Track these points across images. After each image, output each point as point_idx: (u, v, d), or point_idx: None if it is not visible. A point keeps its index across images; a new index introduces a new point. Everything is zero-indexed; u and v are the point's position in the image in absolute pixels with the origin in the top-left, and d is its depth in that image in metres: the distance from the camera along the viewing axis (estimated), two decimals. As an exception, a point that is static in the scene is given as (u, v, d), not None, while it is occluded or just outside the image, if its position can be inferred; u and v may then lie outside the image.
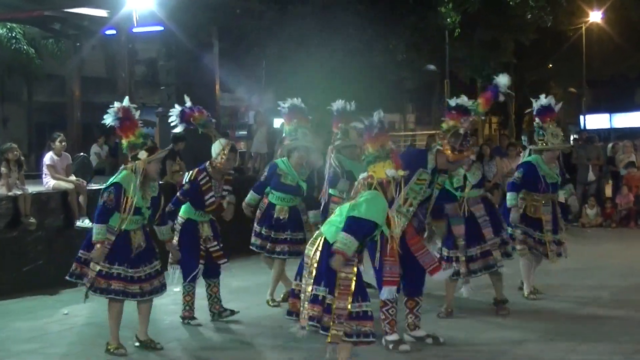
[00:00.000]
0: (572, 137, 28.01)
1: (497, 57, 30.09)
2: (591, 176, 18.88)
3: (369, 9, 24.81)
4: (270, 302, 10.05)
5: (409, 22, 26.14)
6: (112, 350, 7.87)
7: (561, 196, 10.40)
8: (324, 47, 23.72)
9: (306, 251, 6.67)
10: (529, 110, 10.08)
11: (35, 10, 15.20)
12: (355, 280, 6.44)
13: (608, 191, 19.42)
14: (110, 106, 8.01)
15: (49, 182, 12.08)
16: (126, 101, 8.02)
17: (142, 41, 21.49)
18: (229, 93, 26.85)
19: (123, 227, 7.69)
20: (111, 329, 7.92)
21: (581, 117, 44.10)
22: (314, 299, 6.34)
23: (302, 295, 6.50)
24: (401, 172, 6.70)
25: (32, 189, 11.78)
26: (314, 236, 6.75)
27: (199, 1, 16.95)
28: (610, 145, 20.89)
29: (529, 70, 37.36)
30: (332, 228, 6.55)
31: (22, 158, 11.99)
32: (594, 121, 46.49)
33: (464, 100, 8.32)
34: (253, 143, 18.58)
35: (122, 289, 7.74)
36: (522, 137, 38.69)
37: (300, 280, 6.58)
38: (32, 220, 11.35)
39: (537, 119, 9.79)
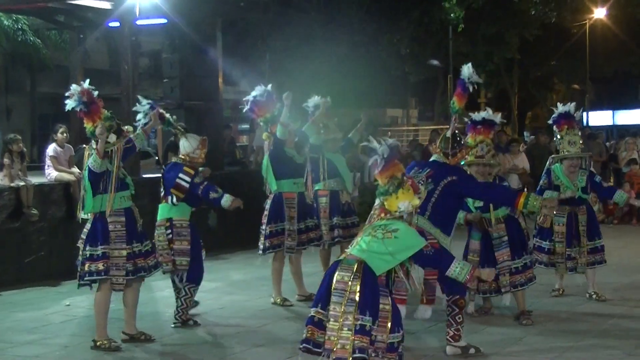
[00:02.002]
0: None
1: (501, 53, 30.11)
2: (593, 173, 18.85)
3: (373, 3, 24.83)
4: (280, 302, 9.66)
5: (413, 17, 26.18)
6: (105, 346, 7.63)
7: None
8: (328, 41, 23.72)
9: (338, 277, 6.05)
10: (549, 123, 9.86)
11: (39, 1, 15.17)
12: (391, 311, 6.13)
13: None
14: (70, 92, 7.58)
15: (51, 174, 12.09)
16: (87, 84, 7.63)
17: (146, 33, 21.51)
18: (232, 86, 26.85)
19: (123, 205, 7.63)
20: (101, 322, 7.68)
21: (584, 114, 44.06)
22: (362, 330, 5.98)
23: (331, 324, 6.02)
24: (415, 202, 6.28)
25: (34, 180, 11.81)
26: (343, 260, 6.19)
27: (202, -7, 16.93)
28: (610, 142, 20.86)
29: (533, 67, 37.35)
30: (374, 258, 6.09)
31: (25, 150, 12.02)
32: (597, 118, 46.47)
33: (489, 114, 8.33)
34: (255, 136, 18.57)
35: (143, 266, 7.73)
36: (525, 133, 38.67)
37: (323, 308, 6.09)
38: (35, 211, 11.37)
39: (554, 128, 9.54)
